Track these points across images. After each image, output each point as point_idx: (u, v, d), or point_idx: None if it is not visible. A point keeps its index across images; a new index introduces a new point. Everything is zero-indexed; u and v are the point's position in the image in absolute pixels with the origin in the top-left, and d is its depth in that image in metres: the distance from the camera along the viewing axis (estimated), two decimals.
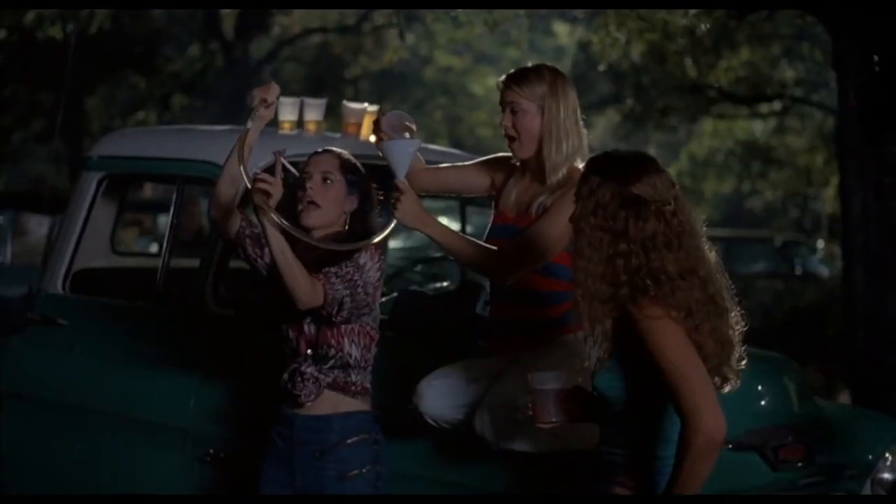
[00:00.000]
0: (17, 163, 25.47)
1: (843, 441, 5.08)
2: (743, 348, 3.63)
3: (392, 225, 4.30)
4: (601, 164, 3.61)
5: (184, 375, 5.20)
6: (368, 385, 4.31)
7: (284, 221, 4.07)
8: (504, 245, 4.42)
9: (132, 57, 21.71)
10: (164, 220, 15.19)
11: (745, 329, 3.64)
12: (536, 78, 4.46)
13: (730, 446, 4.59)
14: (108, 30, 15.82)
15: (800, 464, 4.74)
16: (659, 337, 3.39)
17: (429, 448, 4.56)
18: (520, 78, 4.48)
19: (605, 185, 3.52)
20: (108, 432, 5.44)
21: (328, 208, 4.27)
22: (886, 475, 5.14)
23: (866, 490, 5.03)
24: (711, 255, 3.59)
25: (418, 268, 7.03)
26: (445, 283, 6.43)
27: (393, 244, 12.38)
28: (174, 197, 5.67)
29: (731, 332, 3.57)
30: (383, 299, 5.59)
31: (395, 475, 4.42)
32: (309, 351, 4.24)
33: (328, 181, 4.27)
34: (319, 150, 4.39)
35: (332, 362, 4.22)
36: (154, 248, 14.20)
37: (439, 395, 4.41)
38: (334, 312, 4.13)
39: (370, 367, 4.31)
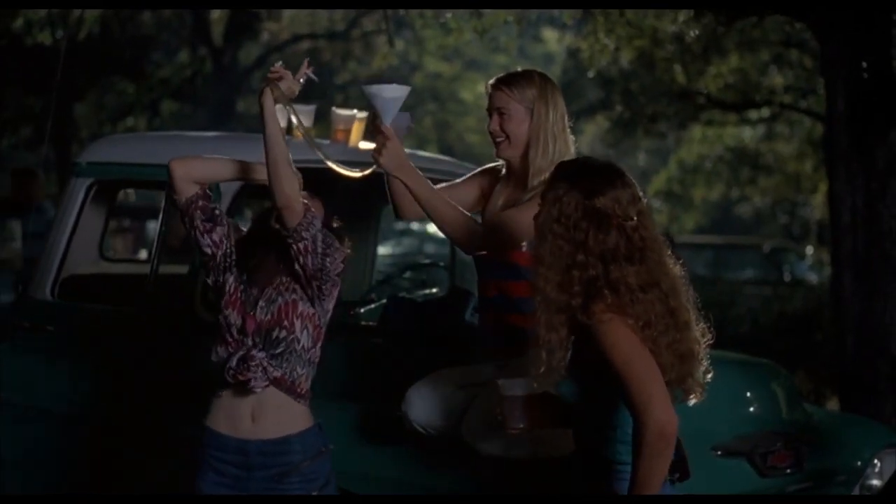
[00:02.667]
0: (5, 168, 25.42)
1: (831, 447, 5.09)
2: (707, 362, 3.64)
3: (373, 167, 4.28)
4: (570, 172, 3.62)
5: (173, 382, 5.19)
6: (309, 386, 4.17)
7: (297, 114, 4.11)
8: (488, 254, 4.44)
9: (121, 63, 21.68)
10: (153, 227, 15.18)
11: (710, 342, 3.64)
12: (526, 81, 4.46)
13: (718, 452, 4.61)
14: (97, 35, 15.81)
15: (788, 470, 4.75)
16: (609, 337, 3.41)
17: (417, 455, 4.56)
18: (510, 81, 4.48)
19: (570, 193, 3.54)
20: (96, 438, 5.43)
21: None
22: (875, 481, 5.15)
23: None
24: (676, 269, 3.60)
25: (407, 274, 7.04)
26: (434, 290, 6.44)
27: (382, 251, 12.37)
28: (163, 203, 5.66)
29: (695, 345, 3.58)
30: (372, 306, 5.60)
31: (385, 481, 4.42)
32: (257, 338, 4.11)
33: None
34: None
35: (281, 347, 4.10)
36: (143, 254, 14.19)
37: (428, 403, 4.41)
38: (299, 249, 4.03)
39: (314, 365, 4.18)
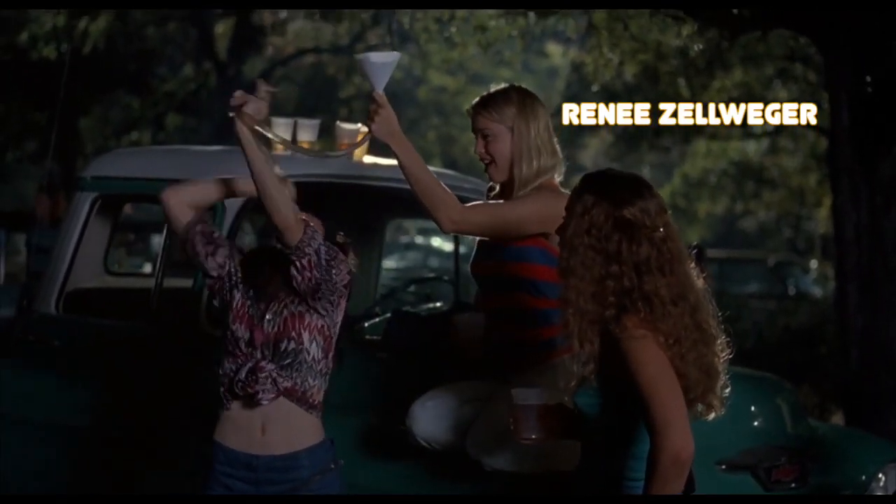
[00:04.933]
0: (10, 182, 25.46)
1: (836, 461, 5.08)
2: (727, 376, 3.63)
3: (368, 137, 4.30)
4: (597, 184, 3.60)
5: (177, 396, 5.19)
6: (322, 399, 4.16)
7: (271, 130, 4.04)
8: (488, 268, 4.44)
9: (126, 77, 21.72)
10: (157, 240, 15.18)
11: (730, 356, 3.64)
12: (504, 100, 4.45)
13: (723, 467, 4.60)
14: (102, 50, 15.84)
15: (793, 484, 4.74)
16: (639, 354, 3.39)
17: (421, 470, 4.55)
18: (488, 103, 4.47)
19: (599, 205, 3.52)
20: (100, 453, 5.43)
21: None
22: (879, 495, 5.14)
23: None
24: (699, 282, 3.60)
25: (411, 288, 7.04)
26: (438, 304, 6.43)
27: (386, 264, 12.37)
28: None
29: (716, 359, 3.57)
30: (376, 320, 5.59)
31: (388, 496, 4.41)
32: (265, 350, 4.10)
33: None
34: None
35: (290, 359, 4.09)
36: (147, 267, 14.20)
37: (432, 417, 4.40)
38: (303, 265, 4.02)
39: (327, 377, 4.17)
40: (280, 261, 4.11)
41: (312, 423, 4.14)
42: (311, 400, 4.12)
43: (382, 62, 4.21)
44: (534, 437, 3.76)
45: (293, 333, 4.10)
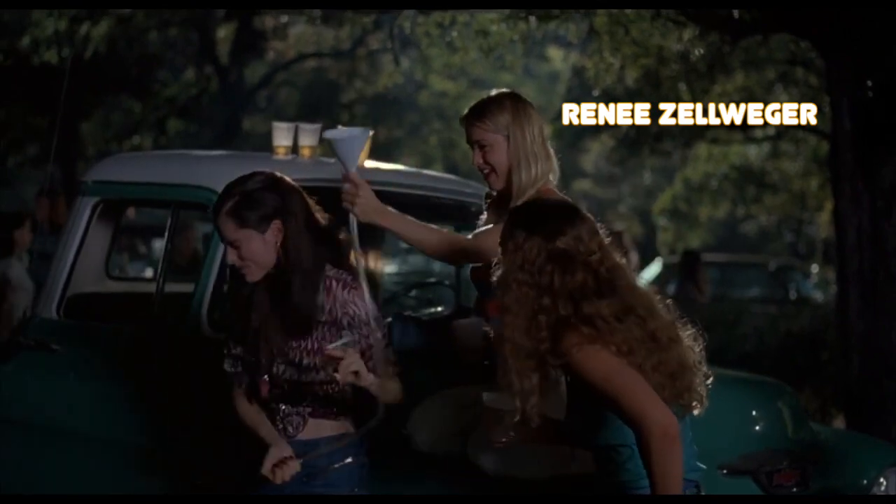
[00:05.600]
0: (11, 186, 25.47)
1: (837, 466, 5.08)
2: (705, 369, 3.64)
3: (355, 231, 4.20)
4: (526, 218, 3.62)
5: (178, 402, 5.19)
6: (345, 395, 4.17)
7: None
8: (488, 274, 4.45)
9: (127, 81, 21.71)
10: (159, 245, 15.18)
11: (702, 347, 3.64)
12: (498, 109, 4.44)
13: (724, 471, 4.60)
14: (104, 54, 15.83)
15: (794, 488, 4.75)
16: (585, 362, 3.42)
17: (422, 475, 4.55)
18: (482, 113, 4.46)
19: (530, 239, 3.54)
20: (102, 458, 5.43)
21: (261, 258, 4.05)
22: None
23: None
24: (648, 290, 3.62)
25: (413, 293, 7.04)
26: (440, 309, 6.43)
27: (388, 269, 12.36)
28: (169, 222, 5.66)
29: (687, 357, 3.58)
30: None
31: (389, 501, 4.41)
32: (276, 391, 4.14)
33: (238, 248, 4.05)
34: (215, 206, 4.10)
35: (307, 399, 4.16)
36: (149, 272, 14.19)
37: (433, 423, 4.40)
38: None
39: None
40: (268, 303, 4.10)
41: (338, 419, 4.19)
42: (335, 409, 4.17)
43: (353, 141, 4.14)
44: (504, 440, 3.78)
45: (313, 374, 4.11)
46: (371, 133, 4.26)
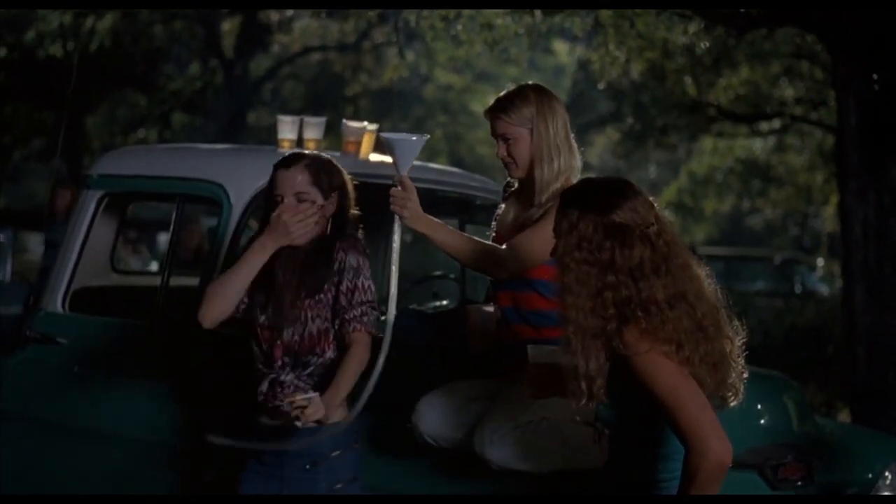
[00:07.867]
0: (17, 181, 25.50)
1: (842, 459, 5.07)
2: (742, 360, 3.61)
3: (398, 233, 4.26)
4: (578, 196, 3.55)
5: (183, 395, 5.19)
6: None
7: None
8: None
9: (133, 75, 21.75)
10: (164, 238, 15.19)
11: (743, 340, 3.62)
12: (522, 102, 4.43)
13: (729, 465, 4.60)
14: (109, 48, 15.85)
15: (799, 482, 4.74)
16: (649, 368, 3.35)
17: (427, 467, 4.56)
18: (506, 106, 4.44)
19: (585, 217, 3.47)
20: (106, 452, 5.43)
21: (312, 225, 4.24)
22: (886, 493, 5.13)
23: None
24: (700, 271, 3.56)
25: (418, 286, 7.03)
26: (445, 302, 6.43)
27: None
28: (174, 215, 5.66)
29: (726, 350, 3.54)
30: (381, 318, 5.59)
31: (394, 493, 4.41)
32: (286, 358, 4.20)
33: (304, 201, 4.23)
34: (285, 161, 4.32)
35: (311, 368, 4.19)
36: (154, 266, 14.20)
37: (439, 415, 4.40)
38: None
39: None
40: (298, 263, 4.17)
41: (338, 408, 4.19)
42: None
43: (409, 145, 4.21)
44: (543, 393, 3.82)
45: (317, 349, 4.19)
46: (427, 138, 4.27)
